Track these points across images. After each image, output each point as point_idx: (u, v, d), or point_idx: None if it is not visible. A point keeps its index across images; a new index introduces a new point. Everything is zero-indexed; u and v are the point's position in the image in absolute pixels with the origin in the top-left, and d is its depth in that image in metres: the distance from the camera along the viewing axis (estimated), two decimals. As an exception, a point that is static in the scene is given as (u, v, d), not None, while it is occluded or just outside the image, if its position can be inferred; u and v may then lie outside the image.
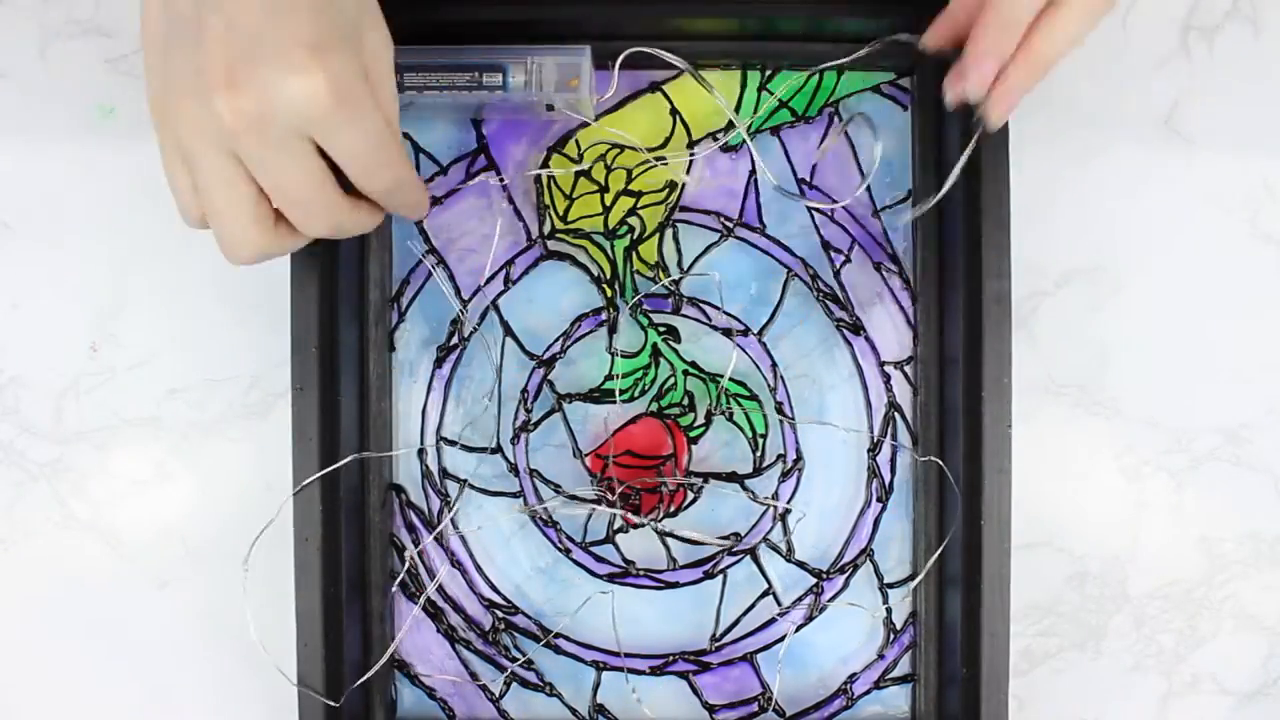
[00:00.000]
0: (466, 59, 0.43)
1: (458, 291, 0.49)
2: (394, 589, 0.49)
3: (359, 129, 0.32)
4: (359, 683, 0.46)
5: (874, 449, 0.49)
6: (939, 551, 0.47)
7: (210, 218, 0.34)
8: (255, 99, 0.31)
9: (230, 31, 0.31)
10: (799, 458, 0.49)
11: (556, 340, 0.49)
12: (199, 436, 0.50)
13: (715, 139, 0.49)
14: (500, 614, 0.49)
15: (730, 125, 0.48)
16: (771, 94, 0.48)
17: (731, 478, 0.49)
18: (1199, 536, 0.50)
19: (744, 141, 0.48)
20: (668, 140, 0.49)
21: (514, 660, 0.49)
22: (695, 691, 0.49)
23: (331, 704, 0.43)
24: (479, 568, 0.49)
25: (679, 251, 0.49)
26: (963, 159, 0.41)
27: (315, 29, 0.31)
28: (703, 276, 0.48)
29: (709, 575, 0.49)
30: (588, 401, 0.49)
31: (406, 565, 0.49)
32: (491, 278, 0.49)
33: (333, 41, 0.31)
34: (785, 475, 0.48)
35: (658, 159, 0.48)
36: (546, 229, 0.49)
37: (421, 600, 0.49)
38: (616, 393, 0.48)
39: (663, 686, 0.49)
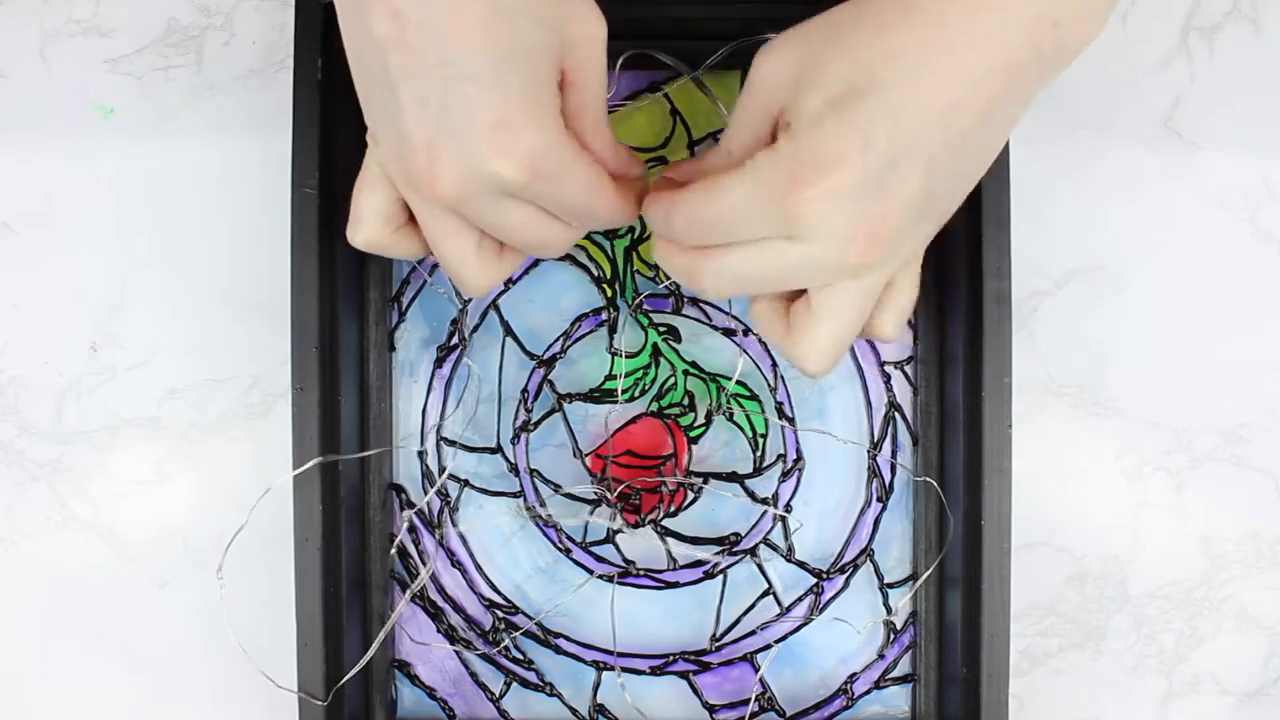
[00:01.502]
0: (466, 59, 0.43)
1: (458, 291, 0.49)
2: (400, 592, 0.49)
3: (562, 191, 0.32)
4: (349, 676, 0.46)
5: (874, 449, 0.49)
6: (940, 553, 0.47)
7: (438, 259, 0.35)
8: (455, 177, 0.30)
9: (421, 107, 0.30)
10: (799, 457, 0.49)
11: (556, 340, 0.49)
12: (199, 436, 0.50)
13: (716, 139, 0.49)
14: (500, 614, 0.49)
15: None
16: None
17: (731, 478, 0.49)
18: (1199, 536, 0.50)
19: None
20: (668, 140, 0.48)
21: (514, 660, 0.49)
22: (695, 691, 0.49)
23: (317, 701, 0.43)
24: (479, 567, 0.49)
25: (679, 251, 0.48)
26: None
27: (499, 99, 0.29)
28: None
29: (709, 575, 0.49)
30: (588, 401, 0.49)
31: (396, 546, 0.49)
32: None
33: (519, 113, 0.30)
34: (785, 475, 0.48)
35: (658, 159, 0.48)
36: (546, 229, 0.49)
37: (411, 590, 0.49)
38: (619, 392, 0.48)
39: (663, 686, 0.49)
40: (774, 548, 0.49)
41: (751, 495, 0.48)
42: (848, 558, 0.49)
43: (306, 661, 0.43)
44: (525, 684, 0.49)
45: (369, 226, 0.35)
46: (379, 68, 0.30)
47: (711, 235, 0.32)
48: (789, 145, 0.30)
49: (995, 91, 0.28)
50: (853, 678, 0.49)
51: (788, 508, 0.49)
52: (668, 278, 0.48)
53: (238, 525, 0.47)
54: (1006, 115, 0.30)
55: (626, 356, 0.49)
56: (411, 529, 0.49)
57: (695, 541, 0.49)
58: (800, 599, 0.49)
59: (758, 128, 0.32)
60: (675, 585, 0.49)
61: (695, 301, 0.48)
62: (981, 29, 0.28)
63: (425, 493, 0.49)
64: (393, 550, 0.49)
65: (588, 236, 0.48)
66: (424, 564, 0.49)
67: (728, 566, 0.49)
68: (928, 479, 0.47)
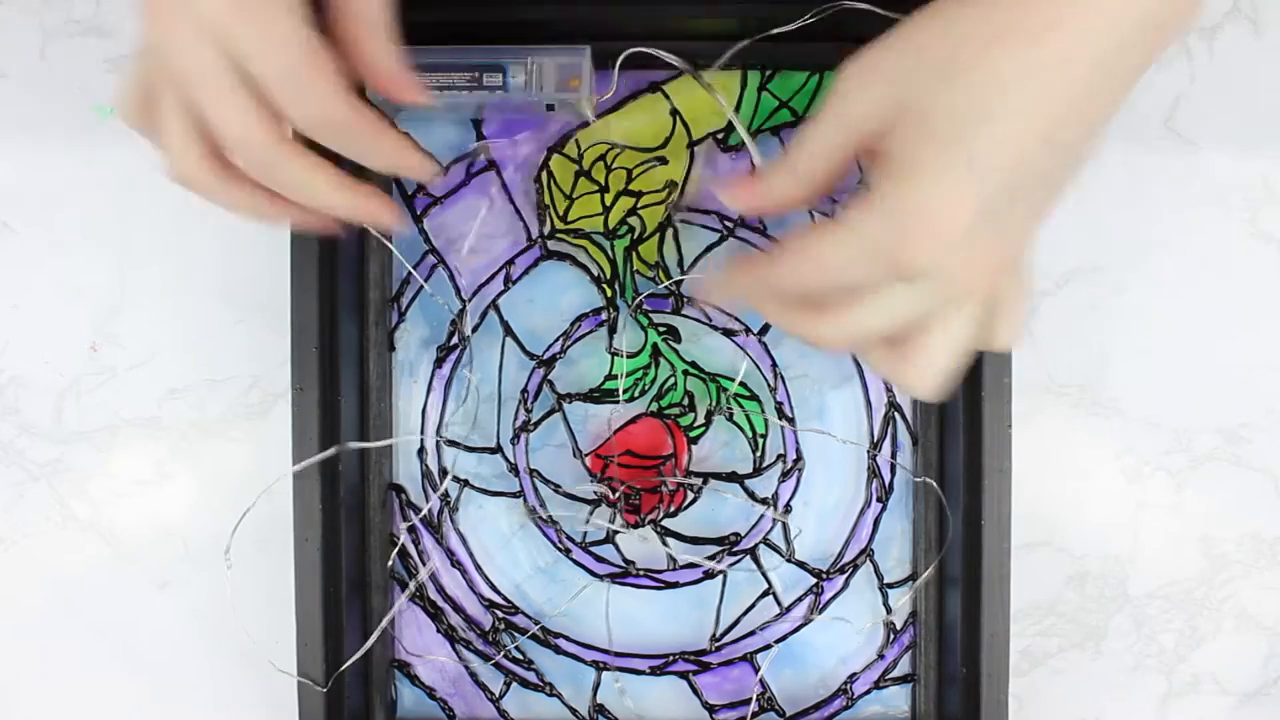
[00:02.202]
0: (466, 59, 0.43)
1: (458, 291, 0.49)
2: (400, 592, 0.49)
3: (262, 42, 0.28)
4: (349, 664, 0.46)
5: (874, 449, 0.49)
6: (940, 553, 0.47)
7: (157, 135, 0.32)
8: (171, 6, 0.28)
9: None
10: (799, 457, 0.49)
11: (556, 340, 0.49)
12: (199, 436, 0.50)
13: (716, 139, 0.49)
14: (500, 614, 0.49)
15: (731, 125, 0.48)
16: (772, 95, 0.48)
17: (731, 478, 0.49)
18: (1199, 536, 0.50)
19: (742, 144, 0.48)
20: (668, 140, 0.48)
21: (514, 660, 0.49)
22: (695, 691, 0.49)
23: (318, 687, 0.43)
24: (479, 567, 0.49)
25: (679, 251, 0.49)
26: None
27: None
28: (705, 276, 0.48)
29: (709, 575, 0.49)
30: (588, 401, 0.49)
31: (397, 548, 0.49)
32: (491, 278, 0.49)
33: None
34: (785, 475, 0.48)
35: (658, 159, 0.48)
36: (546, 229, 0.49)
37: (410, 587, 0.49)
38: (620, 391, 0.48)
39: (663, 686, 0.49)
40: (774, 548, 0.49)
41: (751, 495, 0.48)
42: (847, 558, 0.49)
43: (307, 661, 0.43)
44: (525, 684, 0.49)
45: (183, 163, 0.32)
46: None
47: (822, 294, 0.31)
48: (894, 194, 0.28)
49: (1097, 102, 0.28)
50: (853, 678, 0.49)
51: (787, 508, 0.49)
52: (668, 277, 0.48)
53: (238, 525, 0.48)
54: (1107, 116, 0.29)
55: (626, 357, 0.49)
56: (411, 529, 0.49)
57: (695, 542, 0.49)
58: (800, 599, 0.49)
59: (835, 151, 0.31)
60: (675, 585, 0.49)
61: (695, 301, 0.48)
62: (1083, 42, 0.27)
63: (425, 493, 0.49)
64: (394, 555, 0.49)
65: (587, 236, 0.48)
66: (424, 564, 0.49)
67: (728, 567, 0.49)
68: (927, 479, 0.47)
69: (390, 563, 0.48)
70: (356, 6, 0.31)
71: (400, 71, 0.32)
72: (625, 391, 0.49)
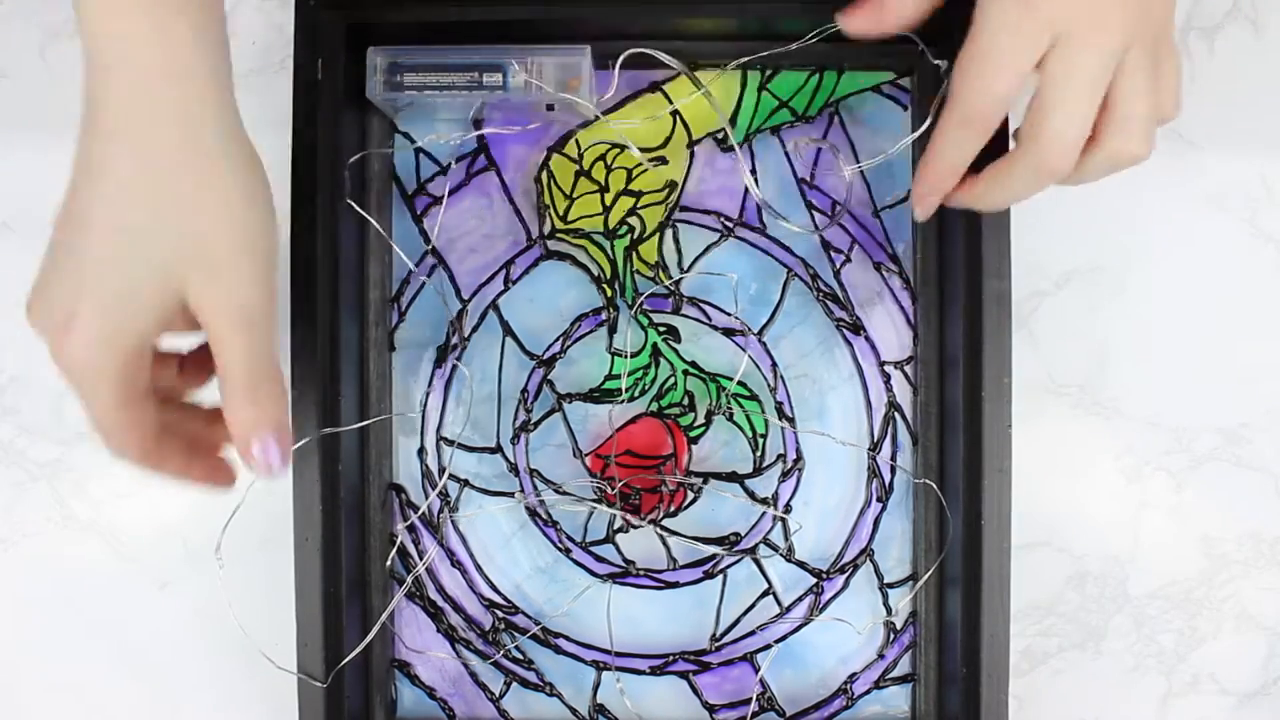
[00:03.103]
0: (466, 59, 0.43)
1: (458, 291, 0.49)
2: (395, 588, 0.49)
3: (86, 401, 0.33)
4: (348, 659, 0.46)
5: (874, 449, 0.49)
6: (940, 553, 0.47)
7: None
8: (45, 331, 0.34)
9: (62, 270, 0.34)
10: (799, 457, 0.49)
11: (556, 340, 0.49)
12: (199, 436, 0.50)
13: (716, 139, 0.49)
14: (500, 614, 0.49)
15: (731, 125, 0.48)
16: (772, 95, 0.48)
17: (732, 478, 0.49)
18: (1199, 536, 0.50)
19: (745, 140, 0.48)
20: (668, 140, 0.49)
21: (514, 660, 0.49)
22: (695, 691, 0.49)
23: (316, 683, 0.43)
24: (479, 567, 0.49)
25: (679, 251, 0.49)
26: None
27: (75, 290, 0.33)
28: (705, 275, 0.48)
29: (709, 575, 0.49)
30: (588, 401, 0.49)
31: (396, 548, 0.49)
32: (491, 278, 0.49)
33: (85, 308, 0.32)
34: (785, 475, 0.48)
35: (658, 159, 0.48)
36: (546, 229, 0.49)
37: (406, 584, 0.49)
38: (622, 390, 0.48)
39: (663, 686, 0.49)
40: (774, 548, 0.49)
41: (751, 495, 0.48)
42: (848, 558, 0.49)
43: (307, 660, 0.43)
44: (525, 684, 0.49)
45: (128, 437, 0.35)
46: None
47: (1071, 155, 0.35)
48: None
49: None
50: (853, 678, 0.49)
51: (787, 508, 0.49)
52: (668, 277, 0.48)
53: (238, 525, 0.47)
54: None
55: (627, 356, 0.49)
56: (411, 529, 0.49)
57: (695, 541, 0.49)
58: (800, 599, 0.49)
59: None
60: (675, 585, 0.49)
61: (695, 301, 0.48)
62: None
63: (425, 493, 0.49)
64: (393, 554, 0.49)
65: (587, 236, 0.48)
66: (422, 563, 0.49)
67: (728, 567, 0.49)
68: (927, 481, 0.47)
69: (389, 562, 0.48)
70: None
71: (279, 434, 0.35)
72: (625, 391, 0.49)
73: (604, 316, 0.49)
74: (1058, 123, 0.34)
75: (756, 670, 0.49)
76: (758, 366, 0.49)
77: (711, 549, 0.48)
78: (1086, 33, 0.33)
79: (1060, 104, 0.34)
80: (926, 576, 0.48)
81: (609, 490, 0.48)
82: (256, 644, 0.45)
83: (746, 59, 0.45)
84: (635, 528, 0.48)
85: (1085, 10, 0.33)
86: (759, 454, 0.49)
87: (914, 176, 0.40)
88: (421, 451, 0.49)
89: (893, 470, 0.49)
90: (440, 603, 0.49)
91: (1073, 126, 0.34)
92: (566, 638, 0.49)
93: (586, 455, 0.49)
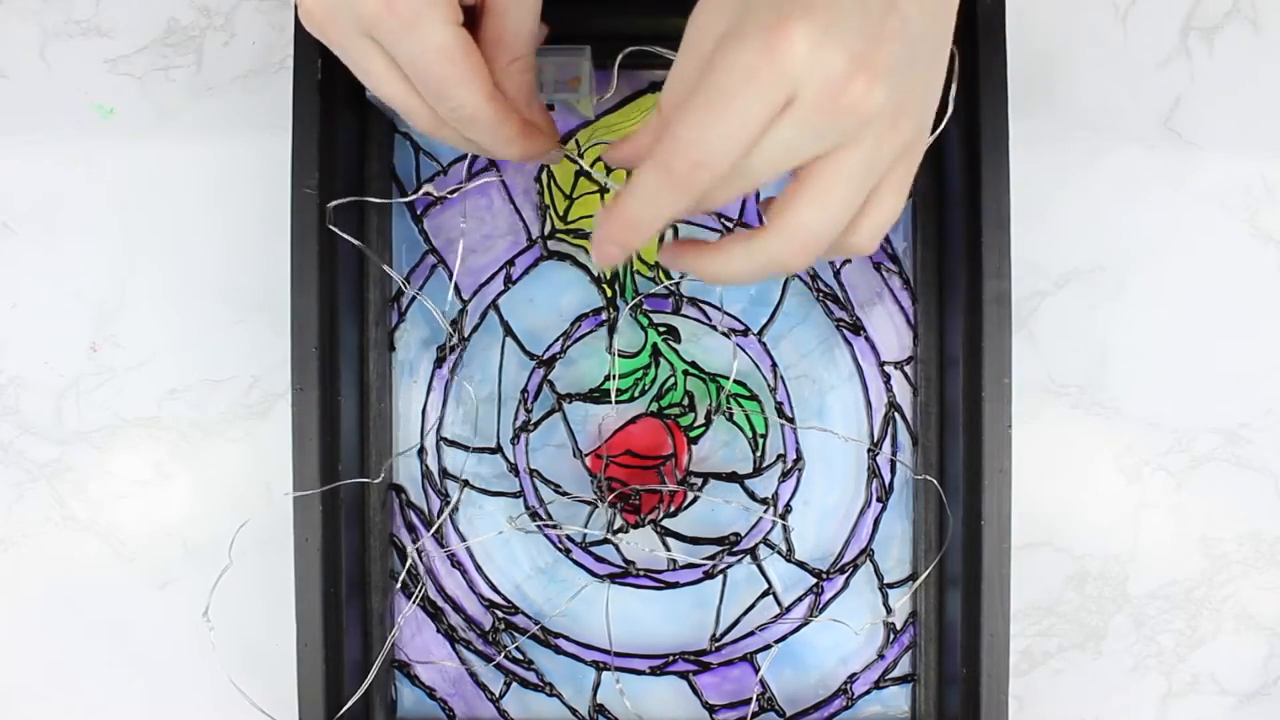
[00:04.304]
0: (466, 59, 0.43)
1: (458, 291, 0.49)
2: (399, 592, 0.49)
3: (409, 46, 0.31)
4: (349, 705, 0.46)
5: (874, 449, 0.49)
6: (940, 552, 0.47)
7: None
8: None
9: None
10: (799, 458, 0.49)
11: (556, 340, 0.49)
12: (199, 437, 0.50)
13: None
14: (500, 614, 0.49)
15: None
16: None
17: (731, 478, 0.49)
18: (1199, 536, 0.50)
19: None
20: (668, 140, 0.48)
21: (514, 660, 0.49)
22: (695, 691, 0.49)
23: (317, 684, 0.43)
24: (479, 568, 0.49)
25: (679, 251, 0.48)
26: None
27: None
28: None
29: (709, 575, 0.49)
30: (588, 401, 0.49)
31: (407, 565, 0.49)
32: (491, 278, 0.49)
33: None
34: (785, 475, 0.48)
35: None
36: (546, 229, 0.49)
37: (416, 596, 0.49)
38: (613, 393, 0.48)
39: (663, 686, 0.49)
40: (773, 548, 0.49)
41: (751, 495, 0.48)
42: (847, 558, 0.49)
43: (306, 661, 0.43)
44: (525, 684, 0.49)
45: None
46: None
47: (722, 150, 0.29)
48: (755, 5, 0.28)
49: None
50: (852, 678, 0.49)
51: (787, 508, 0.49)
52: (668, 277, 0.48)
53: (237, 526, 0.48)
54: None
55: (628, 356, 0.49)
56: (411, 529, 0.49)
57: (695, 541, 0.49)
58: (800, 599, 0.49)
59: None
60: (675, 585, 0.49)
61: (695, 301, 0.48)
62: None
63: (425, 493, 0.49)
64: (405, 568, 0.49)
65: (587, 236, 0.48)
66: (422, 563, 0.49)
67: (728, 567, 0.49)
68: (927, 477, 0.47)
69: (390, 565, 0.48)
70: (499, 40, 0.33)
71: (538, 115, 0.35)
72: (624, 392, 0.48)
73: (604, 316, 0.49)
74: (816, 220, 0.30)
75: (756, 670, 0.49)
76: (757, 366, 0.49)
77: (710, 549, 0.48)
78: (871, 122, 0.28)
79: (824, 200, 0.29)
80: (926, 574, 0.48)
81: (607, 496, 0.48)
82: (259, 648, 0.45)
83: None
84: (636, 527, 0.48)
85: (855, 88, 0.27)
86: (759, 454, 0.49)
87: (595, 219, 0.34)
88: (421, 451, 0.49)
89: (893, 470, 0.49)
90: (440, 603, 0.49)
91: (830, 227, 0.30)
92: (566, 638, 0.49)
93: (586, 455, 0.49)
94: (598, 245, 0.32)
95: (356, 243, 0.44)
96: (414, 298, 0.49)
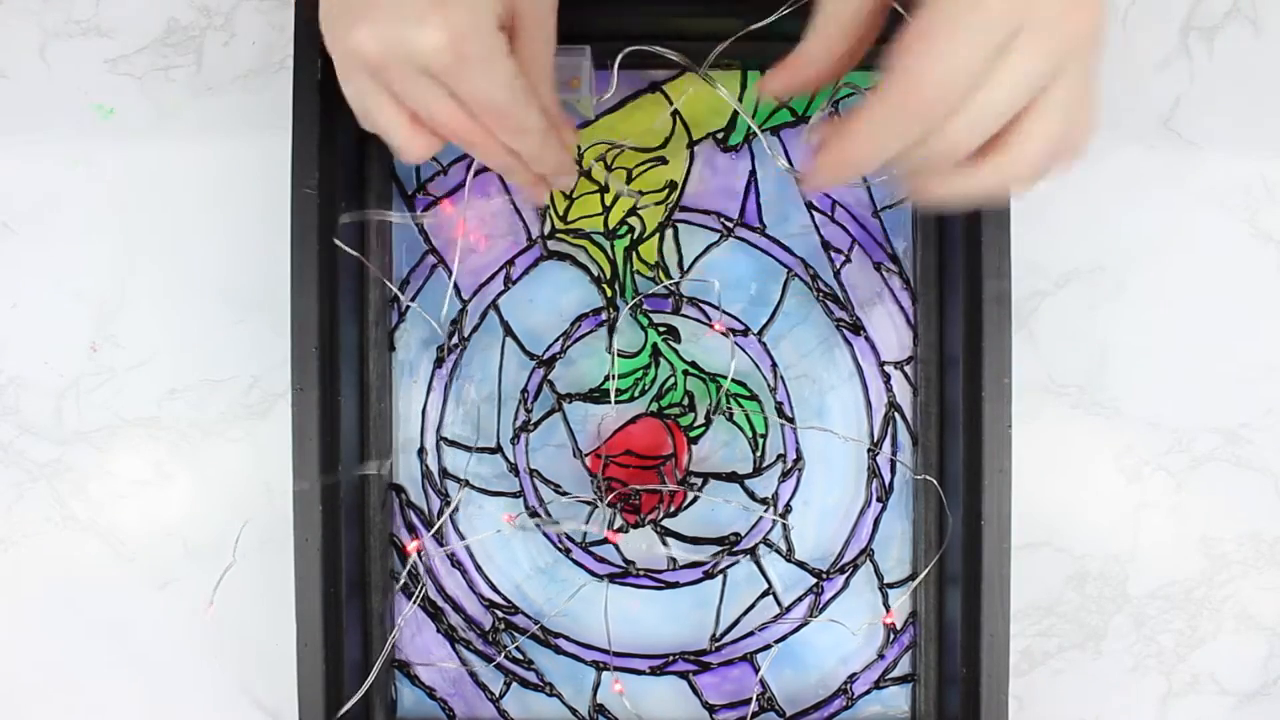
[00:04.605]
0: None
1: (458, 291, 0.49)
2: (400, 592, 0.49)
3: (481, 83, 0.32)
4: (348, 706, 0.46)
5: (874, 449, 0.49)
6: (940, 552, 0.47)
7: (375, 128, 0.35)
8: (385, 40, 0.31)
9: None
10: (799, 458, 0.49)
11: (556, 340, 0.49)
12: (199, 437, 0.50)
13: (716, 139, 0.49)
14: (500, 614, 0.49)
15: (731, 125, 0.48)
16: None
17: (731, 478, 0.49)
18: (1199, 536, 0.50)
19: (745, 140, 0.48)
20: (668, 140, 0.48)
21: (514, 660, 0.49)
22: (695, 691, 0.49)
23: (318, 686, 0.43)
24: (479, 568, 0.49)
25: (679, 251, 0.49)
26: None
27: None
28: (703, 280, 0.48)
29: (709, 575, 0.49)
30: (588, 401, 0.49)
31: (408, 565, 0.49)
32: (491, 278, 0.49)
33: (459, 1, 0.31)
34: (785, 475, 0.48)
35: (658, 159, 0.48)
36: (546, 229, 0.49)
37: (417, 596, 0.49)
38: (612, 392, 0.48)
39: (663, 686, 0.49)
40: (773, 547, 0.49)
41: (751, 495, 0.48)
42: (847, 558, 0.49)
43: (306, 660, 0.43)
44: (525, 684, 0.49)
45: (408, 144, 0.34)
46: None
47: (952, 99, 0.29)
48: None
49: None
50: (852, 678, 0.49)
51: (787, 508, 0.49)
52: (668, 277, 0.48)
53: (237, 525, 0.48)
54: None
55: (628, 356, 0.49)
56: (411, 529, 0.49)
57: (695, 541, 0.49)
58: (800, 599, 0.49)
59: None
60: (675, 585, 0.49)
61: (695, 301, 0.48)
62: None
63: (425, 493, 0.49)
64: (405, 568, 0.49)
65: (587, 236, 0.48)
66: (422, 562, 0.49)
67: (728, 567, 0.49)
68: (927, 477, 0.47)
69: (390, 565, 0.48)
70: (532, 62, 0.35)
71: (562, 127, 0.37)
72: (624, 392, 0.48)
73: (604, 316, 0.49)
74: (949, 58, 0.29)
75: (756, 670, 0.49)
76: (757, 366, 0.49)
77: (711, 548, 0.48)
78: (1056, 24, 0.29)
79: (962, 53, 0.29)
80: (924, 573, 0.48)
81: (610, 495, 0.48)
82: (260, 647, 0.45)
83: (745, 59, 0.45)
84: (636, 527, 0.48)
85: (1057, 8, 0.29)
86: (759, 454, 0.49)
87: (817, 147, 0.33)
88: (421, 451, 0.49)
89: (893, 470, 0.49)
90: (440, 603, 0.49)
91: (964, 76, 0.29)
92: (566, 638, 0.49)
93: (586, 455, 0.49)
94: (815, 174, 0.32)
95: (356, 254, 0.44)
96: (414, 297, 0.49)
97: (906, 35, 0.29)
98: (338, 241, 0.43)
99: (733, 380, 0.48)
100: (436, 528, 0.49)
